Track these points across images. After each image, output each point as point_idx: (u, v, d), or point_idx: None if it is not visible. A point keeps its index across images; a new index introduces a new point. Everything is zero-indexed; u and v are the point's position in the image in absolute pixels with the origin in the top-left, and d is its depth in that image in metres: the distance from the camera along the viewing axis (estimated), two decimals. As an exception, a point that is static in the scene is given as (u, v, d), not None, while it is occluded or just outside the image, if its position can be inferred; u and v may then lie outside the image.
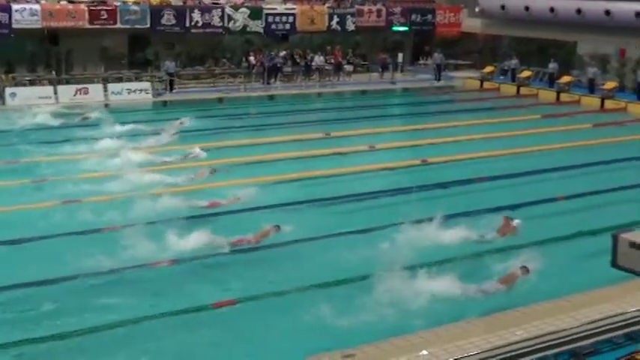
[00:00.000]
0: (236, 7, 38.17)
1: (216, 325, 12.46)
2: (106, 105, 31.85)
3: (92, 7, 34.83)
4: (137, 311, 12.52)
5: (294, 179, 20.74)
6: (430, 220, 16.24)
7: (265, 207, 18.00)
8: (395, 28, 43.04)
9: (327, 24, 40.52)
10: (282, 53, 38.63)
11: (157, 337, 12.01)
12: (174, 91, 35.33)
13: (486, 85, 40.04)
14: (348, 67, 40.41)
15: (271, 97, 36.08)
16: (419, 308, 12.67)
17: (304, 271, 14.42)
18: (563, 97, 36.51)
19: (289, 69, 38.74)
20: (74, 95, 32.54)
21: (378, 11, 42.16)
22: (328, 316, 12.28)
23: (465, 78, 41.53)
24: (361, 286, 13.31)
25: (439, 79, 40.79)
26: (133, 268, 14.26)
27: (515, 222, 16.37)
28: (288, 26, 39.48)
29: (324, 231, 16.29)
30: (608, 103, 34.68)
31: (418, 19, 43.45)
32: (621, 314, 11.09)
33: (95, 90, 33.31)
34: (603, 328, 11.04)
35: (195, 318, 12.49)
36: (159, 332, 12.09)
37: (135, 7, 35.66)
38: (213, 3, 38.20)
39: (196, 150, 23.21)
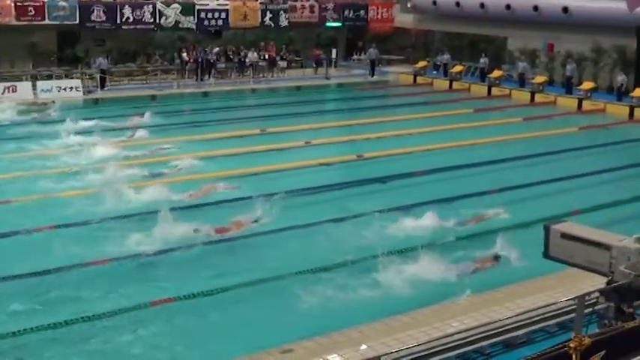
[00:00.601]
0: (167, 3, 37.84)
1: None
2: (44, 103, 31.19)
3: (19, 3, 34.14)
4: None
5: (231, 176, 20.64)
6: (369, 214, 16.44)
7: (203, 205, 17.93)
8: (328, 24, 43.23)
9: (260, 20, 40.51)
10: (216, 49, 38.42)
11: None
12: (105, 88, 34.83)
13: (419, 79, 40.49)
14: (282, 63, 40.43)
15: (205, 94, 35.90)
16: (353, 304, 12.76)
17: (239, 266, 14.41)
18: (495, 91, 37.16)
19: (223, 65, 38.57)
20: (2, 93, 31.82)
21: (311, 7, 42.28)
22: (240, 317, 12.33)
23: (398, 73, 41.94)
24: (288, 284, 13.31)
25: (373, 75, 41.10)
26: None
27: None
28: (220, 22, 39.34)
29: (260, 227, 16.27)
30: (538, 97, 35.42)
31: (351, 15, 43.76)
32: (553, 304, 11.37)
33: (24, 88, 32.64)
34: (536, 318, 11.31)
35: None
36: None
37: (63, 3, 35.07)
38: (144, -1, 37.83)
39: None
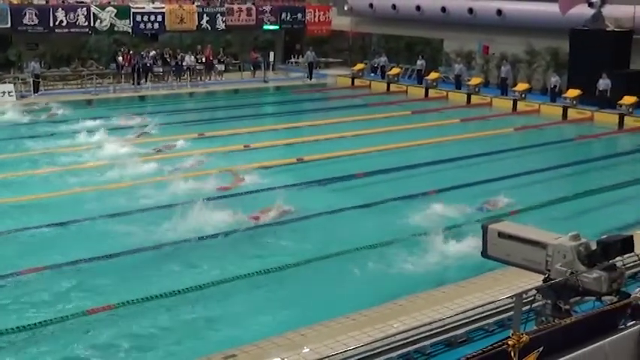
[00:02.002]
0: (102, 7, 37.36)
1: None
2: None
3: (-52, 7, 33.34)
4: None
5: (167, 181, 20.40)
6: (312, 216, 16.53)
7: (147, 209, 17.79)
8: (266, 27, 43.19)
9: (197, 23, 40.27)
10: (152, 53, 38.03)
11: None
12: (39, 93, 34.19)
13: (357, 82, 40.72)
14: (220, 67, 40.23)
15: (142, 98, 35.50)
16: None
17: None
18: (432, 93, 37.58)
19: (160, 69, 38.18)
20: None
21: (248, 10, 42.20)
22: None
23: (336, 76, 42.11)
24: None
25: (311, 77, 41.20)
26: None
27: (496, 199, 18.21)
28: (157, 25, 38.99)
29: (201, 231, 16.21)
30: (474, 99, 35.93)
31: (288, 18, 43.81)
32: (492, 302, 11.55)
33: (-46, 93, 31.88)
34: (476, 317, 11.48)
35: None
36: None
37: (-6, 7, 34.36)
38: (78, 2, 37.21)
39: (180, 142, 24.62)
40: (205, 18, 40.49)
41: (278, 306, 12.89)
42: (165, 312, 12.62)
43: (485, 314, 11.52)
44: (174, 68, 38.41)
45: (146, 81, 37.29)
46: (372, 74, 41.78)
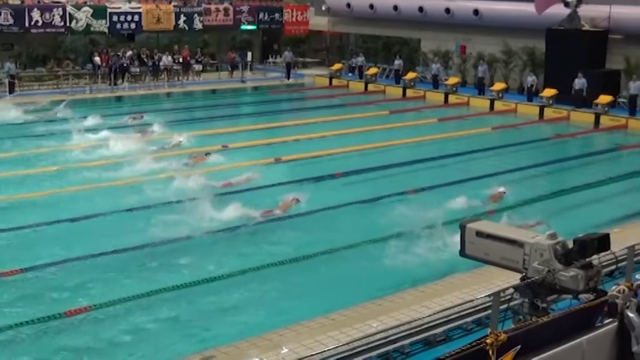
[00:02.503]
0: (78, 6, 37.10)
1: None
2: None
3: None
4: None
5: (146, 182, 20.33)
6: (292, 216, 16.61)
7: (128, 209, 17.72)
8: (243, 27, 43.11)
9: (174, 23, 40.11)
10: (129, 53, 37.84)
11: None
12: (14, 93, 33.89)
13: (335, 82, 40.73)
14: (197, 67, 40.11)
15: (119, 98, 35.29)
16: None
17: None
18: (409, 92, 37.66)
19: (137, 69, 37.98)
20: None
21: (226, 10, 42.10)
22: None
23: (314, 76, 42.10)
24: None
25: (289, 77, 41.16)
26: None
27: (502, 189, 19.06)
28: (133, 25, 38.78)
29: (183, 231, 16.15)
30: (452, 98, 36.06)
31: (266, 18, 43.75)
32: (470, 301, 11.60)
33: None
34: (454, 316, 11.52)
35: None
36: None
37: (-32, 7, 34.03)
38: (54, 2, 36.93)
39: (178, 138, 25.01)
40: (182, 18, 40.35)
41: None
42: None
43: (463, 313, 11.57)
44: (151, 68, 38.23)
45: (123, 81, 37.08)
46: (350, 74, 41.81)
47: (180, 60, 39.10)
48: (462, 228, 8.91)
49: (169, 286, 13.37)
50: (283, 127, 28.76)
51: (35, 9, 35.86)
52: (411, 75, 38.36)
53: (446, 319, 11.39)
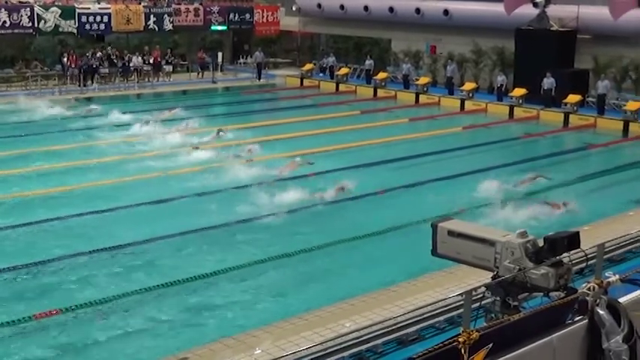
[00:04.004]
0: (46, 7, 36.75)
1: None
2: None
3: None
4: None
5: (113, 184, 20.32)
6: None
7: (103, 210, 17.73)
8: (213, 28, 43.00)
9: (143, 23, 39.89)
10: (98, 54, 37.58)
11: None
12: (-18, 95, 33.57)
13: (306, 82, 40.76)
14: (168, 68, 39.93)
15: (88, 100, 34.97)
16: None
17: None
18: (380, 93, 37.78)
19: (106, 70, 37.75)
20: None
21: (196, 10, 41.95)
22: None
23: (285, 76, 42.09)
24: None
25: (260, 78, 41.11)
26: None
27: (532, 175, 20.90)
28: (103, 26, 38.50)
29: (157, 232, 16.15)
30: (423, 98, 36.21)
31: (236, 18, 43.65)
32: (442, 300, 11.66)
33: None
34: (426, 315, 11.57)
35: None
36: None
37: None
38: (21, 2, 36.56)
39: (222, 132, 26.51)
40: (152, 18, 40.14)
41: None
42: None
43: (436, 312, 11.63)
44: (121, 69, 38.01)
45: (92, 82, 36.82)
46: (321, 74, 41.85)
47: (151, 61, 38.91)
48: (434, 227, 8.94)
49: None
50: (255, 128, 28.70)
51: (2, 9, 35.46)
52: (381, 75, 38.48)
53: (418, 318, 11.45)
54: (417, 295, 12.63)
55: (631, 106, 30.49)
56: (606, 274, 7.81)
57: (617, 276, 7.71)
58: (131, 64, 38.06)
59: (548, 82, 32.46)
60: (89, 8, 38.22)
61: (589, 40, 34.12)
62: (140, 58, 38.42)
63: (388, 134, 27.54)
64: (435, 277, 13.39)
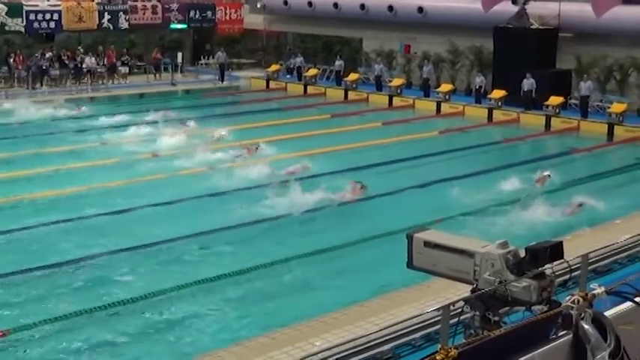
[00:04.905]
0: (-9, 4, 36.47)
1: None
2: None
3: None
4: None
5: (71, 194, 20.15)
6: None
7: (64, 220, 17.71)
8: (173, 26, 42.86)
9: (97, 22, 39.71)
10: (48, 54, 37.28)
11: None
12: None
13: (273, 84, 40.75)
14: (123, 69, 39.72)
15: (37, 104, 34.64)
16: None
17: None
18: (351, 95, 37.87)
19: (57, 72, 37.45)
20: None
21: (154, 8, 41.81)
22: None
23: (250, 78, 42.06)
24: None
25: (223, 80, 41.02)
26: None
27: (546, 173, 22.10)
28: (53, 24, 38.25)
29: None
30: (396, 101, 36.34)
31: (197, 16, 43.58)
32: (419, 316, 11.66)
33: None
34: (401, 332, 11.57)
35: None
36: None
37: None
38: (-37, -1, 36.28)
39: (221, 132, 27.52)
40: (107, 16, 39.94)
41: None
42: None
43: (411, 328, 11.64)
44: (73, 71, 37.73)
45: (42, 85, 36.51)
46: (288, 76, 41.86)
47: (105, 62, 38.69)
48: (409, 238, 8.94)
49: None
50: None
51: (-57, 7, 35.16)
52: (352, 76, 38.58)
53: (393, 335, 11.45)
54: (391, 310, 12.62)
55: (616, 108, 30.83)
56: (591, 286, 7.86)
57: (603, 288, 7.75)
58: (84, 66, 37.80)
59: (528, 83, 32.73)
60: (38, 5, 37.96)
61: (571, 39, 34.49)
62: (93, 58, 38.19)
63: (360, 139, 27.59)
64: (411, 291, 13.40)
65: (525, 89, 32.83)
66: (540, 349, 7.35)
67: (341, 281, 14.96)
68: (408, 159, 24.74)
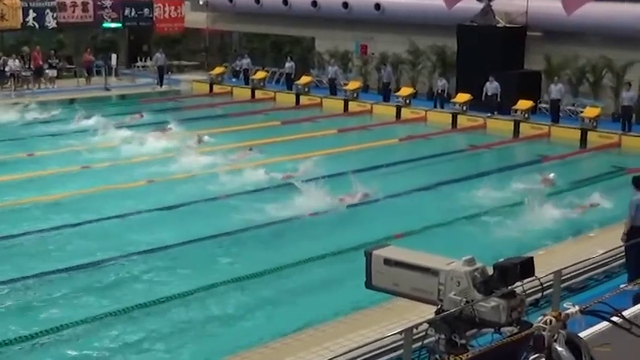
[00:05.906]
0: None
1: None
2: None
3: None
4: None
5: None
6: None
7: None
8: (106, 25, 42.60)
9: (21, 20, 39.38)
10: (-34, 57, 36.87)
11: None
12: None
13: (217, 88, 40.68)
14: (51, 72, 39.36)
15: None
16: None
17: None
18: (304, 100, 37.93)
19: (-24, 76, 37.05)
20: None
21: (84, 5, 41.55)
22: None
23: (191, 81, 41.98)
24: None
25: (162, 84, 40.85)
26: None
27: (551, 175, 23.90)
28: (-29, 23, 37.81)
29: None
30: (353, 106, 36.46)
31: (133, 14, 43.43)
32: (379, 340, 11.64)
33: None
34: (360, 358, 11.55)
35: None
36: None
37: None
38: None
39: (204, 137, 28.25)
40: (32, 14, 39.59)
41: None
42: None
43: (371, 354, 11.62)
44: (-6, 75, 37.34)
45: (-40, 90, 36.08)
46: (234, 79, 41.83)
47: (31, 65, 38.30)
48: (368, 255, 8.92)
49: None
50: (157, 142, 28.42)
51: None
52: (304, 79, 38.65)
53: (351, 362, 11.43)
54: (348, 334, 12.61)
55: (589, 112, 31.22)
56: (565, 305, 7.91)
57: (577, 307, 7.80)
58: (7, 69, 37.40)
59: (491, 87, 32.98)
60: (-46, 2, 37.51)
61: (540, 38, 34.92)
62: (17, 61, 37.81)
63: (313, 148, 27.55)
64: (370, 314, 13.41)
65: (489, 93, 33.03)
66: (511, 375, 7.39)
67: (288, 305, 14.95)
68: (367, 169, 24.78)
